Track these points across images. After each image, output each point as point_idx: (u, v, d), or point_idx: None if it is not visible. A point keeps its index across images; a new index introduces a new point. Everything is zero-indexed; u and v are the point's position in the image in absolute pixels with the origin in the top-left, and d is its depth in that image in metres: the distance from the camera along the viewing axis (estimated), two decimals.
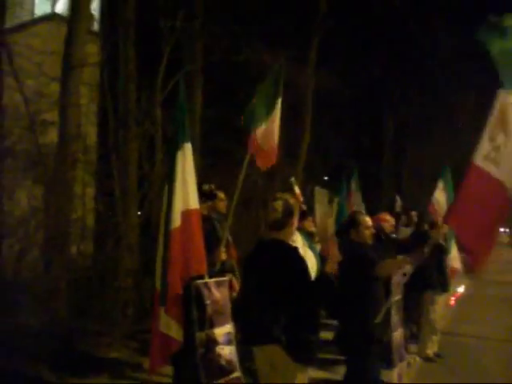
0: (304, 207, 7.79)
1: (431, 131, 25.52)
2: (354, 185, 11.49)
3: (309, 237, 7.08)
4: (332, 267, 4.26)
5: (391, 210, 11.68)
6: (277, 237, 4.25)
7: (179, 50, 12.30)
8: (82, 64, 8.54)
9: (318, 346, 4.32)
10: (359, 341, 5.15)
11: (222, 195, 6.31)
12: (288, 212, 4.26)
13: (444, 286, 8.67)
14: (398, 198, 14.70)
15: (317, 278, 4.24)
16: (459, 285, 15.61)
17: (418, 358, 8.25)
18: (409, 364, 7.91)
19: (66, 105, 8.18)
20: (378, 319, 5.07)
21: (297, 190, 7.02)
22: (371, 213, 7.59)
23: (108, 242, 8.90)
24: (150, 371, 5.39)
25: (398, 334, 6.78)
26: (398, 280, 6.60)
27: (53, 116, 8.34)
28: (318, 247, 7.58)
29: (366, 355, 5.19)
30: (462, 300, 14.19)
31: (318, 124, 17.91)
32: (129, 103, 10.18)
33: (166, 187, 4.92)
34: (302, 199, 7.63)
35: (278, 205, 4.24)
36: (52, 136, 8.20)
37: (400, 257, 5.95)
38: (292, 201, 4.41)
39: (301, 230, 6.40)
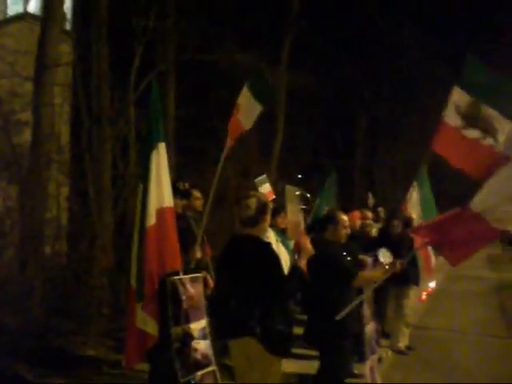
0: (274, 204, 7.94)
1: (403, 129, 25.84)
2: (327, 184, 11.60)
3: (281, 233, 7.26)
4: (304, 263, 4.39)
5: (364, 207, 11.88)
6: (250, 233, 4.37)
7: (152, 49, 12.35)
8: (56, 64, 8.52)
9: (292, 339, 4.45)
10: (332, 336, 5.22)
11: (197, 194, 6.44)
12: (261, 209, 4.38)
13: (416, 280, 8.83)
14: (370, 195, 14.93)
15: (289, 273, 4.35)
16: (431, 280, 15.91)
17: (389, 352, 8.43)
18: (380, 358, 8.14)
19: (40, 104, 8.17)
20: (341, 315, 5.09)
21: (262, 189, 7.16)
22: (345, 210, 7.75)
23: (82, 242, 8.93)
24: (126, 367, 5.45)
25: (369, 328, 6.93)
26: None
27: (27, 116, 8.31)
28: (291, 243, 7.76)
29: (338, 350, 5.28)
30: (433, 295, 14.44)
31: (292, 122, 18.07)
32: (102, 102, 10.19)
33: (141, 186, 5.00)
34: (272, 197, 7.77)
35: (252, 202, 4.36)
36: (26, 136, 8.19)
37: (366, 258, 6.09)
38: (264, 198, 4.53)
39: (273, 226, 6.60)
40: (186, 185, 6.70)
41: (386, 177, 26.52)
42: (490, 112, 5.07)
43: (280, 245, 6.84)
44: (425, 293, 13.88)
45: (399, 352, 8.51)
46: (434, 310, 12.31)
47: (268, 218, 4.48)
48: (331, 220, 5.57)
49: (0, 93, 8.71)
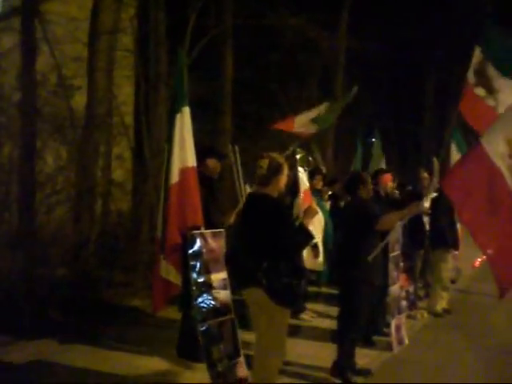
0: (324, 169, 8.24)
1: None
2: (375, 144, 11.71)
3: (317, 193, 7.53)
4: (309, 221, 4.63)
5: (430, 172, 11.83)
6: (263, 191, 4.64)
7: (208, 14, 12.62)
8: (110, 30, 8.95)
9: (301, 292, 4.75)
10: (352, 281, 5.73)
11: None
12: (273, 169, 4.62)
13: (455, 244, 8.91)
14: (435, 160, 14.74)
15: (296, 229, 4.60)
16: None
17: (425, 313, 8.57)
18: (415, 317, 8.33)
19: (94, 69, 8.64)
20: (370, 258, 5.53)
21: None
22: (379, 172, 7.92)
23: (141, 199, 9.50)
24: (153, 312, 5.93)
25: (395, 288, 7.14)
26: (395, 236, 6.91)
27: (81, 80, 8.82)
28: (328, 204, 8.03)
29: (357, 293, 5.73)
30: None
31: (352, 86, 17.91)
32: (159, 67, 10.62)
33: (166, 147, 5.38)
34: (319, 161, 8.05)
35: (264, 162, 4.61)
36: (78, 100, 8.69)
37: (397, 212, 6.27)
38: (279, 159, 4.75)
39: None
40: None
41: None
42: (493, 72, 5.18)
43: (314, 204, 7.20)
44: (479, 259, 13.79)
45: (435, 314, 8.63)
46: (485, 277, 12.12)
47: (281, 177, 4.67)
48: (362, 180, 6.09)
49: (60, 58, 9.15)
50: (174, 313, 6.74)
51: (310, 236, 4.66)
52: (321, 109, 8.06)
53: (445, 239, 8.59)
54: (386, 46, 18.64)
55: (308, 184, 5.90)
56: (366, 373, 6.00)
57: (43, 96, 7.92)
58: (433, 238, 8.73)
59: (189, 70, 11.53)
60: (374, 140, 11.95)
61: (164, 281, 5.31)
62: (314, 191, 7.61)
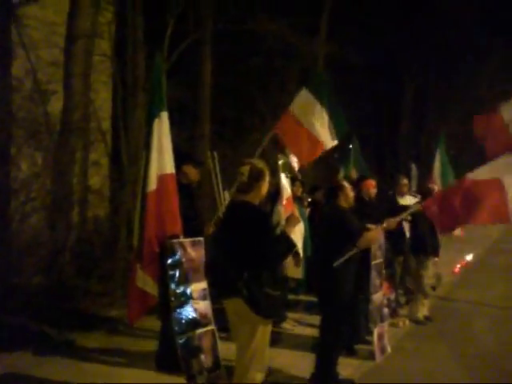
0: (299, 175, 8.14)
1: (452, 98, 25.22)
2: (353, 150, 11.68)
3: (297, 201, 7.42)
4: (291, 229, 4.53)
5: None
6: (244, 199, 4.51)
7: (187, 19, 12.52)
8: (86, 35, 8.80)
9: (283, 303, 4.63)
10: (328, 290, 5.76)
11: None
12: (255, 176, 4.49)
13: (435, 251, 8.88)
14: (413, 166, 14.82)
15: (276, 238, 4.49)
16: (468, 253, 15.77)
17: (407, 321, 8.51)
18: (397, 325, 8.26)
19: (70, 74, 8.48)
20: (335, 265, 5.55)
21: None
22: (362, 179, 7.88)
23: (118, 207, 9.34)
24: (129, 323, 5.79)
25: (378, 296, 7.06)
26: (378, 244, 6.87)
27: (56, 86, 8.66)
28: (307, 211, 7.93)
29: (333, 304, 5.73)
30: (469, 267, 14.31)
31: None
32: (136, 71, 10.48)
33: (144, 153, 5.25)
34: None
35: (245, 169, 4.48)
36: (54, 105, 8.54)
37: (374, 227, 6.20)
38: (260, 165, 4.63)
39: None
40: None
41: (433, 148, 25.95)
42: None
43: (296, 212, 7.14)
44: (459, 265, 13.83)
45: (417, 322, 8.57)
46: (465, 283, 12.22)
47: (263, 184, 4.56)
48: (340, 188, 6.01)
49: (37, 63, 8.97)
50: (153, 321, 6.60)
51: (292, 245, 4.55)
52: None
53: (425, 246, 8.56)
54: (365, 52, 18.72)
55: (290, 191, 5.79)
56: (348, 383, 5.91)
57: (18, 101, 7.74)
58: (413, 245, 8.69)
59: (168, 76, 11.46)
60: (350, 146, 11.90)
61: (140, 291, 5.16)
62: (295, 198, 7.52)
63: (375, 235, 5.91)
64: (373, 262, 6.86)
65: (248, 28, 13.36)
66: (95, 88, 9.94)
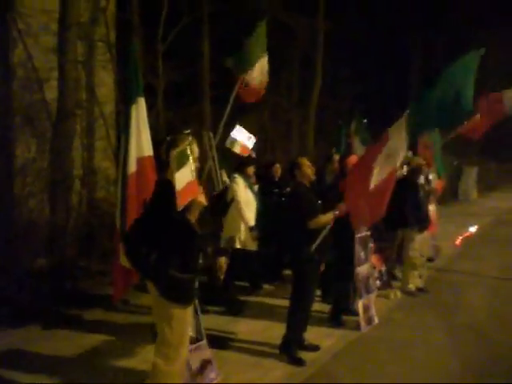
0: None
1: None
2: (353, 128, 11.68)
3: (248, 179, 7.75)
4: (195, 215, 4.25)
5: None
6: (163, 177, 4.39)
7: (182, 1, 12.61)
8: (78, 22, 8.98)
9: (190, 286, 4.36)
10: (298, 261, 6.00)
11: None
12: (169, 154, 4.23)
13: (422, 224, 8.94)
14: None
15: (179, 220, 4.17)
16: (473, 225, 15.87)
17: (398, 292, 8.67)
18: (388, 297, 8.45)
19: (64, 61, 8.67)
20: (312, 248, 5.86)
21: (236, 148, 7.65)
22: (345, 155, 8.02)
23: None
24: (113, 300, 6.06)
25: (363, 268, 7.24)
26: None
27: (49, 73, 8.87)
28: (256, 187, 8.34)
29: (302, 275, 6.00)
30: (472, 239, 14.40)
31: (335, 68, 18.01)
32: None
33: (123, 137, 5.47)
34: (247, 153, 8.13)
35: (163, 149, 4.35)
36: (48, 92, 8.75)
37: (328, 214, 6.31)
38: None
39: (243, 174, 7.68)
40: None
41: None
42: None
43: (248, 190, 7.75)
44: (460, 237, 13.96)
45: (408, 293, 8.72)
46: (465, 255, 12.31)
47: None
48: (296, 166, 6.21)
49: (34, 52, 9.15)
50: (148, 298, 6.87)
51: (193, 232, 4.23)
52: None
53: (405, 219, 8.66)
54: (368, 27, 18.68)
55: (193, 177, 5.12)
56: (313, 348, 6.19)
57: (14, 89, 7.97)
58: (395, 219, 8.68)
59: (166, 59, 11.67)
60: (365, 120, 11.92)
61: (124, 270, 5.38)
62: (246, 178, 7.83)
63: (326, 220, 5.96)
64: (357, 236, 7.03)
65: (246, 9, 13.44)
66: (96, 73, 10.14)
